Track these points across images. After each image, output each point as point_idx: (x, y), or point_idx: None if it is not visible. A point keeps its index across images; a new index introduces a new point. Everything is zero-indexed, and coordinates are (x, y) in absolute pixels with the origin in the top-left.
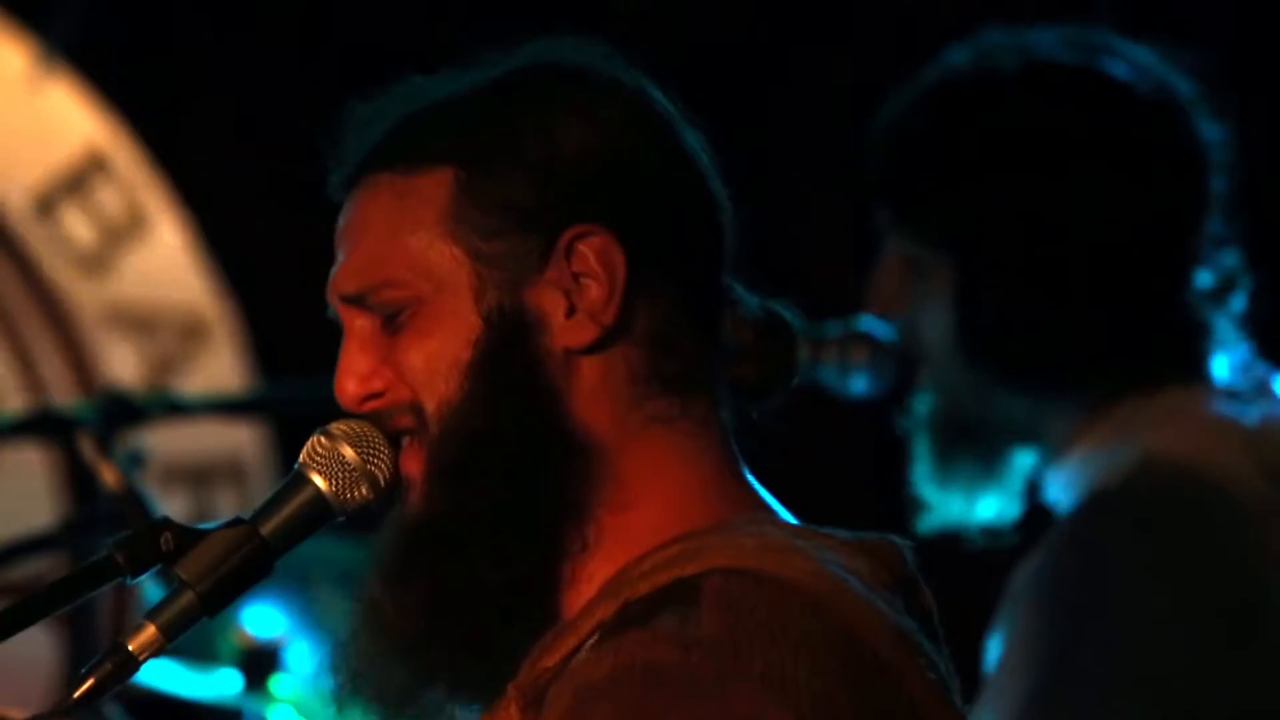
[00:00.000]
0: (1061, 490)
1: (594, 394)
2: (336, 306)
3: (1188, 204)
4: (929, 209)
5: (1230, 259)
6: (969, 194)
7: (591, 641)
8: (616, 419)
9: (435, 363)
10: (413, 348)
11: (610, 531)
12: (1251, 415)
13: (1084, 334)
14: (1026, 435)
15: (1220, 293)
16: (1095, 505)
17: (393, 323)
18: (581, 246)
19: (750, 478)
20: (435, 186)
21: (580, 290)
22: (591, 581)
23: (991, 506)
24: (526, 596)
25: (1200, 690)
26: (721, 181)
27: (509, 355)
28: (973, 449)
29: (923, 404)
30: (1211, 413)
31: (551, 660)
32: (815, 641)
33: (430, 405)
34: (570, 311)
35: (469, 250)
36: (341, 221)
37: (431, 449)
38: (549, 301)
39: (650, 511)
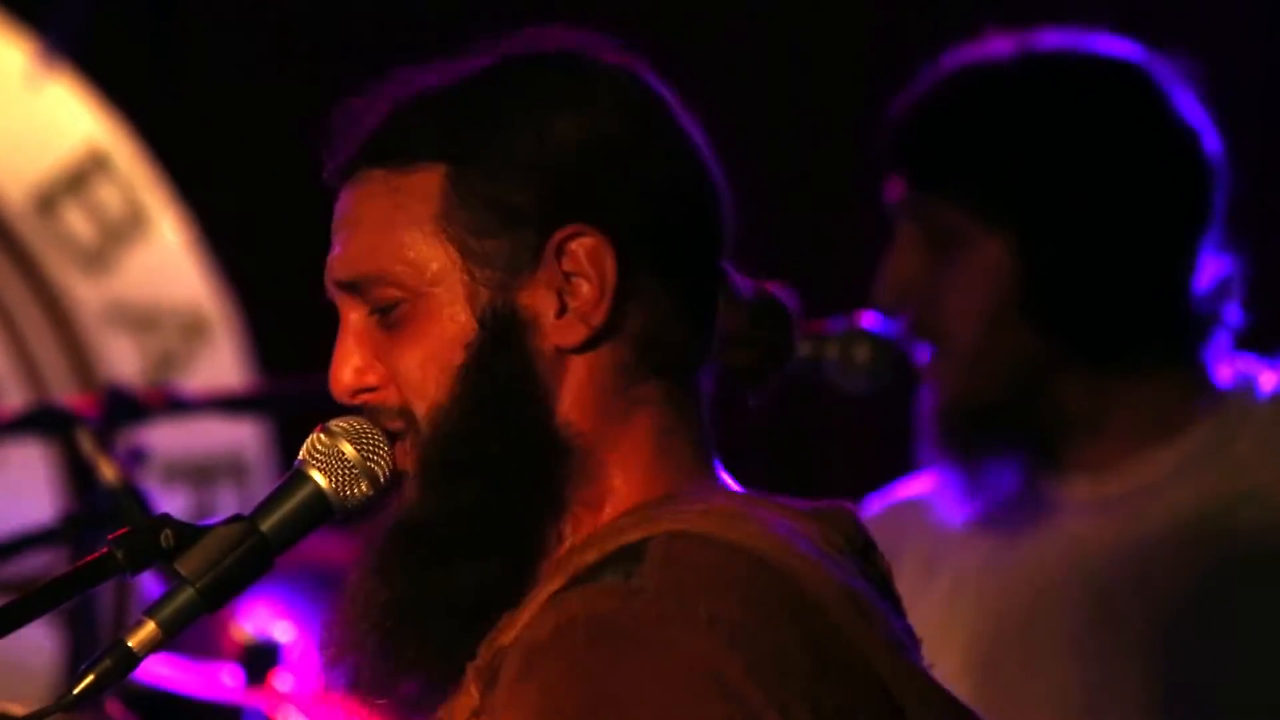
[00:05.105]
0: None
1: (581, 390)
2: (332, 294)
3: (1205, 206)
4: (986, 176)
5: (1225, 269)
6: (1033, 160)
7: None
8: (600, 412)
9: (429, 367)
10: (408, 351)
11: (585, 524)
12: None
13: (1150, 296)
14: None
15: (1215, 299)
16: None
17: (386, 318)
18: (572, 246)
19: (714, 458)
20: (427, 183)
21: (571, 289)
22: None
23: (976, 503)
24: (498, 595)
25: None
26: (719, 167)
27: (500, 357)
28: (975, 438)
29: (930, 391)
30: None
31: (507, 637)
32: (765, 595)
33: (420, 409)
34: (561, 311)
35: (461, 249)
36: (337, 212)
37: (420, 451)
38: (541, 301)
39: (620, 497)
